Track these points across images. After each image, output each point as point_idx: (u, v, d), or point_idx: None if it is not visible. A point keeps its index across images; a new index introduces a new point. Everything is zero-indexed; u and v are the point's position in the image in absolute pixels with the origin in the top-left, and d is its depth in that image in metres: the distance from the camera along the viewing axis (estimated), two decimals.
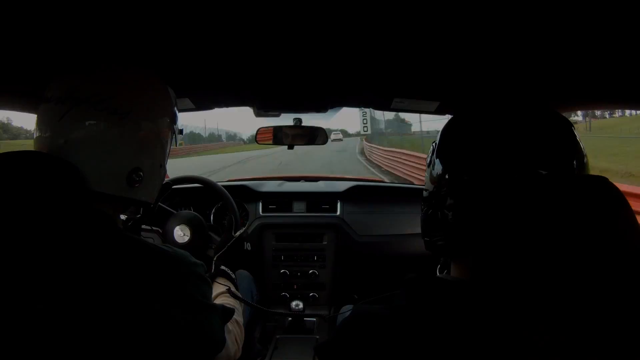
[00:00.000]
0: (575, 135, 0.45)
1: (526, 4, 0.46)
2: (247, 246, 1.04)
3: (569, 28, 0.51)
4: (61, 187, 0.48)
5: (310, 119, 1.25)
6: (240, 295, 0.90)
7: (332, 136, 36.61)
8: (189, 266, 0.55)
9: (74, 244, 0.46)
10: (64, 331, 0.44)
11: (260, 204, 1.59)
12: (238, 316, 0.80)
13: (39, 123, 0.54)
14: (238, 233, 1.03)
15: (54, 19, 0.52)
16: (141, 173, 0.57)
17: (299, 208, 1.60)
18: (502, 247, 0.37)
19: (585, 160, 0.45)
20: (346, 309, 1.24)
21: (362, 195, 1.65)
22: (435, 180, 0.49)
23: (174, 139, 0.66)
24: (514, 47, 0.60)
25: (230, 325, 0.71)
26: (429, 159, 0.54)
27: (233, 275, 0.95)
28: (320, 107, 1.03)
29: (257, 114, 1.15)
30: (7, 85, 0.76)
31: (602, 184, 0.37)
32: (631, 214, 0.36)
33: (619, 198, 0.36)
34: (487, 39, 0.58)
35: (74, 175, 0.50)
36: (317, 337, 1.28)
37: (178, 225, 1.11)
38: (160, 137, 0.60)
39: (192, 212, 1.20)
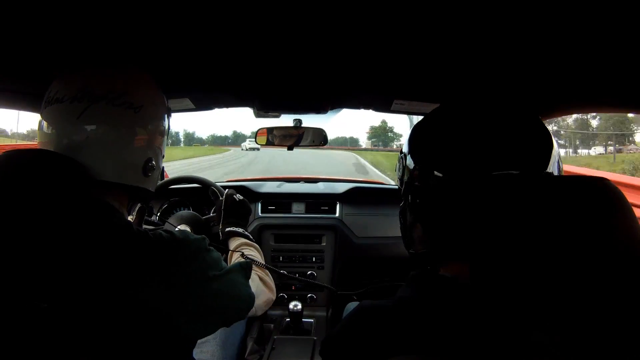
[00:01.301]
0: (550, 136, 0.45)
1: (526, 6, 0.46)
2: (238, 197, 1.04)
3: (570, 30, 0.51)
4: (69, 185, 0.49)
5: (313, 121, 1.20)
6: (255, 257, 0.88)
7: (247, 144, 29.74)
8: (189, 245, 0.56)
9: (79, 241, 0.47)
10: (69, 330, 0.45)
11: (260, 204, 1.59)
12: (258, 260, 0.82)
13: (52, 123, 0.55)
14: (224, 195, 1.04)
15: (56, 19, 0.52)
16: (153, 163, 0.60)
17: (298, 209, 1.60)
18: (498, 249, 0.37)
19: (559, 159, 0.45)
20: (351, 306, 1.23)
21: (362, 197, 1.65)
22: (413, 188, 0.49)
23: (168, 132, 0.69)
24: (515, 49, 0.60)
25: (253, 274, 0.73)
26: (400, 172, 0.54)
27: (241, 230, 0.95)
28: (320, 108, 1.03)
29: (257, 115, 1.15)
30: (9, 84, 0.77)
31: (602, 185, 0.37)
32: (630, 215, 0.36)
33: (619, 199, 0.36)
34: (487, 41, 0.58)
35: (81, 172, 0.51)
36: (315, 338, 1.28)
37: (178, 225, 1.12)
38: (163, 128, 0.63)
39: (188, 211, 1.21)
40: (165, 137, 0.64)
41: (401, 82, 0.87)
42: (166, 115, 0.64)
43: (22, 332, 0.44)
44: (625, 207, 0.36)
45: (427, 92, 0.92)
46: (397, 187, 0.58)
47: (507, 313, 0.36)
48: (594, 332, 0.33)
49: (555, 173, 0.44)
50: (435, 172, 0.45)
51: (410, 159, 0.49)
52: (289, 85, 0.91)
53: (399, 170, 0.55)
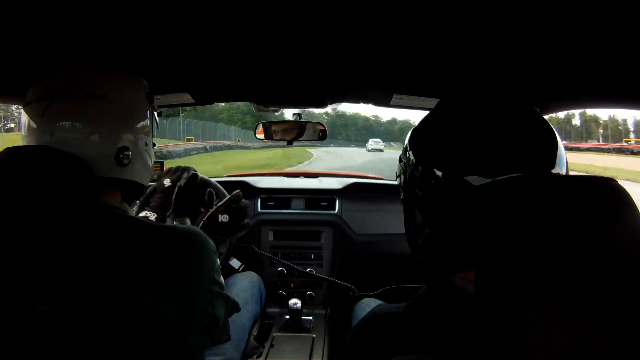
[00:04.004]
0: (554, 133, 0.44)
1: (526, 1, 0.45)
2: (246, 204, 0.93)
3: (569, 25, 0.50)
4: (72, 184, 0.49)
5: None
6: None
7: (371, 145, 28.81)
8: (205, 242, 0.57)
9: (81, 240, 0.47)
10: (73, 333, 0.44)
11: (259, 200, 1.59)
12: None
13: (25, 125, 0.56)
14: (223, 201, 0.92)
15: (55, 16, 0.52)
16: (128, 152, 0.58)
17: (297, 205, 1.59)
18: (501, 255, 0.35)
19: (565, 160, 0.44)
20: (361, 305, 1.21)
21: (361, 192, 1.64)
22: (416, 188, 0.48)
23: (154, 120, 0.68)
24: (514, 44, 0.60)
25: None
26: (401, 179, 0.53)
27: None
28: (320, 102, 1.03)
29: (257, 109, 1.14)
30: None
31: (609, 185, 0.35)
32: (636, 218, 0.34)
33: (627, 200, 0.34)
34: (487, 36, 0.58)
35: (81, 165, 0.51)
36: (314, 335, 1.28)
37: (178, 221, 1.12)
38: (140, 114, 0.62)
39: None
40: (145, 122, 0.63)
41: (400, 76, 0.87)
42: (145, 99, 0.63)
43: (24, 337, 0.43)
44: (633, 209, 0.34)
45: (427, 86, 0.92)
46: (396, 183, 0.57)
47: (508, 319, 0.35)
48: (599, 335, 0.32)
49: (563, 172, 0.43)
50: (437, 172, 0.44)
51: (413, 158, 0.49)
52: (288, 80, 0.91)
53: (401, 170, 0.54)
